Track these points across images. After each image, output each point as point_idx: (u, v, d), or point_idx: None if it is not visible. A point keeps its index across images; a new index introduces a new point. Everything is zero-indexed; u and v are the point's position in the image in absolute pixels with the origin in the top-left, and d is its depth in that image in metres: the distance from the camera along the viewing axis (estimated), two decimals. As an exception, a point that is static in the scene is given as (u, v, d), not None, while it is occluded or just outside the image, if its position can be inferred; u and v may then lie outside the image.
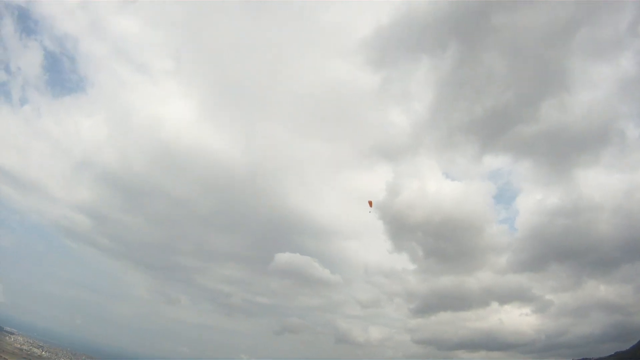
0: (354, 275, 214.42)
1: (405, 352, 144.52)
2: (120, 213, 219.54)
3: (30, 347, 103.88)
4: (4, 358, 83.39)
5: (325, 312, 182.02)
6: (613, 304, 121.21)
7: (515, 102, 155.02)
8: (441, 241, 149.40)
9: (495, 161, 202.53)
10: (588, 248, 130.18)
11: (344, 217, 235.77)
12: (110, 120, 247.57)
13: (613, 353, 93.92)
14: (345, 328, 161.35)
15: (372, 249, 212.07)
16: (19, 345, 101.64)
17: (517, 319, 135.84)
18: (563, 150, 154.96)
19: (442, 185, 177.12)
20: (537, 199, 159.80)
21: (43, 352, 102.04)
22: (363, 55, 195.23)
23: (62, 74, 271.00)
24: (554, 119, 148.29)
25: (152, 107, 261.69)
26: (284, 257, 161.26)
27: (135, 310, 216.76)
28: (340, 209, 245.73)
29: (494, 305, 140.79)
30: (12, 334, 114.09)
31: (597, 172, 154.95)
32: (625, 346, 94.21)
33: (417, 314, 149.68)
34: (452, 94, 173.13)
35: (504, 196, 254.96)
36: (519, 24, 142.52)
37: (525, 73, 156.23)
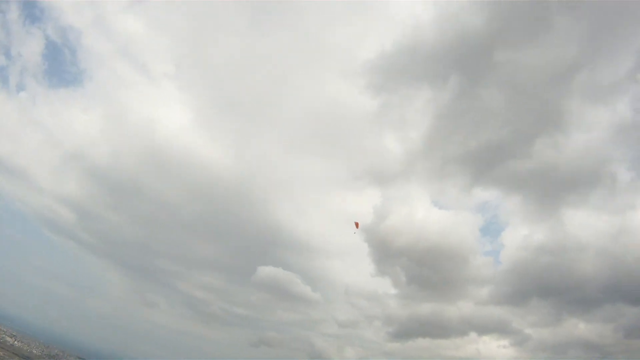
0: (334, 294, 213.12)
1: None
2: (105, 210, 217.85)
3: (3, 335, 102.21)
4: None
5: (303, 329, 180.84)
6: (592, 342, 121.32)
7: (510, 138, 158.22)
8: (425, 268, 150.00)
9: (485, 194, 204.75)
10: (570, 286, 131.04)
11: (330, 236, 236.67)
12: (105, 116, 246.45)
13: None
14: (321, 346, 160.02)
15: (355, 270, 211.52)
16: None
17: (494, 351, 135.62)
18: (553, 188, 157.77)
19: (430, 213, 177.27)
20: (523, 234, 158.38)
21: (15, 342, 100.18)
22: (365, 78, 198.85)
23: (61, 65, 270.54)
24: (546, 158, 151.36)
25: (148, 108, 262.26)
26: (266, 270, 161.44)
27: (111, 309, 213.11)
28: (327, 228, 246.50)
29: (473, 335, 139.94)
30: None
31: (585, 212, 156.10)
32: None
33: (395, 338, 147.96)
34: (449, 125, 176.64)
35: (491, 229, 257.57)
36: (521, 62, 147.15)
37: (522, 111, 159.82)
